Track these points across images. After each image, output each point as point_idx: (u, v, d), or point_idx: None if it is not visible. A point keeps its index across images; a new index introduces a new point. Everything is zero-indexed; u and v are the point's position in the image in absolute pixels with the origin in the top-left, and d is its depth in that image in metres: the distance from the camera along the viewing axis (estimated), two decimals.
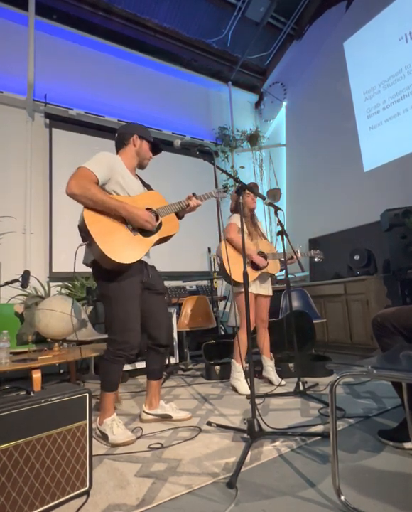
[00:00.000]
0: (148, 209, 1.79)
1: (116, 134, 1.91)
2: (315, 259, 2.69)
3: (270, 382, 2.58)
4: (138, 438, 1.66)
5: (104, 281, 1.72)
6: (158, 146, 1.95)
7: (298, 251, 2.65)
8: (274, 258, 2.61)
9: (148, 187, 1.98)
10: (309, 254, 2.70)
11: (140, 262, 1.75)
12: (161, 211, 1.82)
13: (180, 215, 1.96)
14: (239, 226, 2.58)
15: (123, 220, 1.70)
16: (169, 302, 3.55)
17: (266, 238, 2.74)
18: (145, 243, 1.75)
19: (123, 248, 1.65)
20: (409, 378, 0.98)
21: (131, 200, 1.76)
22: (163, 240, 1.86)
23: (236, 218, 2.65)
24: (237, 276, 2.37)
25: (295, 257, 2.49)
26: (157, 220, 1.80)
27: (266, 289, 2.64)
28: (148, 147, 1.91)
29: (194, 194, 1.93)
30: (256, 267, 2.55)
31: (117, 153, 1.90)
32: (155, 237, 1.79)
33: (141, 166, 1.94)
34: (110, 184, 1.74)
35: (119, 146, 1.90)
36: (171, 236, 1.88)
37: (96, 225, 1.63)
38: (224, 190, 2.02)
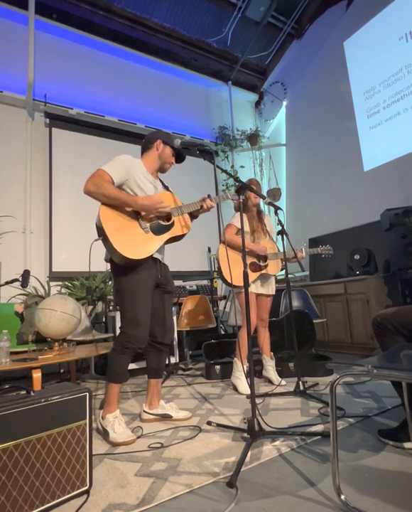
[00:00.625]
0: None
1: (144, 139, 2.03)
2: (322, 256, 2.66)
3: (271, 382, 2.58)
4: (138, 437, 1.67)
5: (118, 276, 1.80)
6: (180, 154, 2.03)
7: (303, 249, 2.63)
8: (275, 258, 2.60)
9: (166, 188, 2.03)
10: (316, 251, 2.66)
11: (153, 259, 1.83)
12: (174, 211, 1.86)
13: (194, 215, 2.00)
14: (238, 226, 2.60)
15: (137, 219, 1.78)
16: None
17: (270, 236, 2.71)
18: (156, 241, 1.81)
19: (134, 245, 1.72)
20: (409, 378, 0.98)
21: (147, 197, 1.82)
22: (175, 239, 1.91)
23: (236, 218, 2.64)
24: (236, 278, 2.37)
25: (296, 257, 2.47)
26: (170, 219, 1.85)
27: (267, 289, 2.62)
28: (171, 153, 1.99)
29: (209, 196, 1.97)
30: (255, 268, 2.55)
31: (142, 155, 1.99)
32: (166, 236, 1.84)
33: (162, 169, 2.02)
34: (127, 184, 1.83)
35: (144, 150, 2.01)
36: (183, 236, 1.92)
37: (110, 222, 1.71)
38: (237, 192, 2.02)
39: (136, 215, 1.79)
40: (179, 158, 2.05)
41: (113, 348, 1.76)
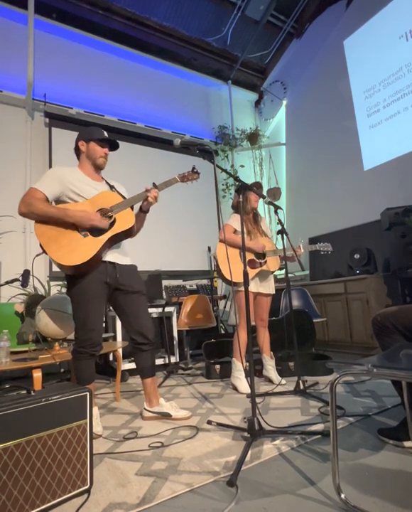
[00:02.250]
0: (100, 209, 1.81)
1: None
2: (321, 252, 2.64)
3: (271, 381, 2.58)
4: (135, 438, 1.67)
5: (68, 284, 1.83)
6: (111, 141, 1.94)
7: (301, 245, 2.61)
8: (274, 255, 2.59)
9: (112, 188, 1.97)
10: (314, 247, 2.63)
11: (103, 262, 1.81)
12: (115, 208, 1.83)
13: (144, 210, 1.96)
14: (235, 227, 2.60)
15: (74, 225, 1.75)
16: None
17: (267, 236, 2.71)
18: (96, 242, 1.76)
19: (71, 251, 1.71)
20: (409, 377, 0.99)
21: (81, 204, 1.80)
22: (122, 235, 1.85)
23: (233, 219, 2.64)
24: (235, 276, 2.36)
25: (295, 255, 2.46)
26: (110, 217, 1.81)
27: (266, 288, 2.61)
28: (98, 146, 1.91)
29: (154, 184, 1.92)
30: (253, 265, 2.54)
31: (79, 164, 1.96)
32: (108, 235, 1.78)
33: (96, 166, 1.93)
34: (64, 196, 1.81)
35: (77, 157, 1.97)
36: (129, 231, 1.86)
37: (44, 236, 1.72)
38: (193, 171, 1.97)
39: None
40: (112, 145, 1.96)
41: (72, 355, 1.82)
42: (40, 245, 1.73)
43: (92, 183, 1.90)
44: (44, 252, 1.73)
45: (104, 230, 1.78)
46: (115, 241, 1.85)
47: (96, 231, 1.77)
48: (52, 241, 1.71)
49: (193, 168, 1.99)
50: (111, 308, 3.45)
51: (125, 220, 1.83)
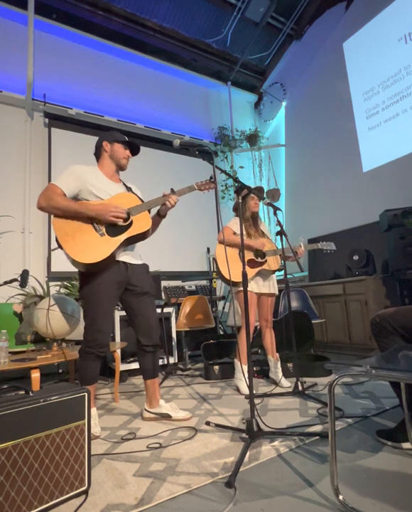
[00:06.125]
0: None
1: (94, 148, 2.01)
2: (324, 251, 2.61)
3: (276, 383, 2.55)
4: (133, 439, 1.67)
5: (81, 283, 1.84)
6: (132, 144, 1.99)
7: (301, 244, 2.60)
8: (274, 254, 2.58)
9: (129, 190, 1.99)
10: (316, 246, 2.61)
11: (116, 262, 1.82)
12: (133, 210, 1.84)
13: (161, 214, 1.97)
14: (234, 229, 2.60)
15: (92, 223, 1.77)
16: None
17: (267, 237, 2.70)
18: (112, 243, 1.77)
19: (87, 248, 1.72)
20: (407, 378, 0.99)
21: (100, 202, 1.81)
22: (138, 238, 1.86)
23: (233, 221, 2.64)
24: (234, 275, 2.36)
25: (295, 255, 2.44)
26: (128, 218, 1.81)
27: (268, 287, 2.59)
28: (122, 148, 1.95)
29: (172, 190, 1.94)
30: (253, 264, 2.53)
31: (98, 164, 1.98)
32: (123, 236, 1.79)
33: (120, 166, 1.98)
34: (82, 194, 1.82)
35: (97, 158, 1.99)
36: (144, 234, 1.86)
37: (62, 230, 1.73)
38: (210, 180, 1.99)
39: (90, 219, 1.76)
40: (134, 149, 2.00)
41: (79, 355, 1.83)
42: (56, 240, 1.73)
43: (110, 184, 1.91)
44: (59, 246, 1.73)
45: (120, 229, 1.79)
46: (130, 242, 1.86)
47: (113, 232, 1.77)
48: (69, 236, 1.72)
49: (211, 177, 1.99)
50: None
51: (142, 222, 1.85)
